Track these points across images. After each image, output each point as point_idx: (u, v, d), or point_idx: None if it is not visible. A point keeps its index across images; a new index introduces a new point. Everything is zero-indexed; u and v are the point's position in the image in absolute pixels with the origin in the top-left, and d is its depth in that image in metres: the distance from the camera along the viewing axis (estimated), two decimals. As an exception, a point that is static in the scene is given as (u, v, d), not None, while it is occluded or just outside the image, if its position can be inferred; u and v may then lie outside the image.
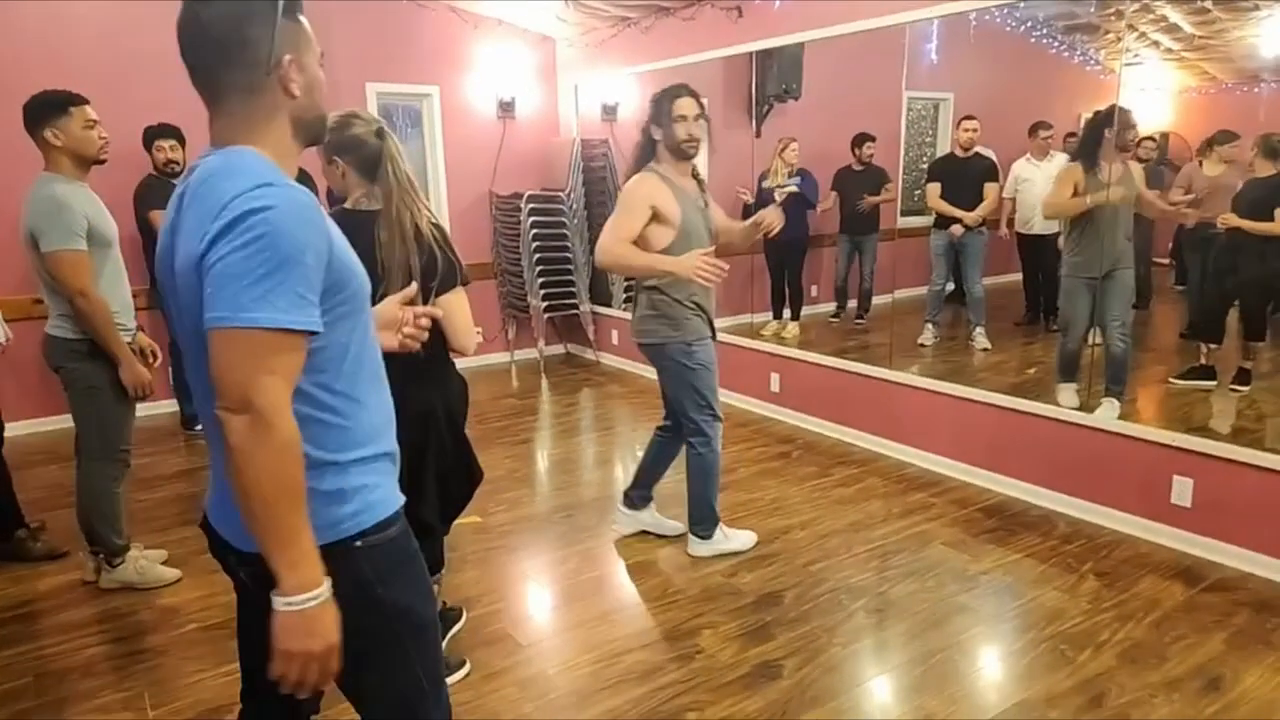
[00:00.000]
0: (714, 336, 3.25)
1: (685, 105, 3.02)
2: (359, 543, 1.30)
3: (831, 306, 6.32)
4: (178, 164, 4.75)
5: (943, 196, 5.26)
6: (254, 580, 1.31)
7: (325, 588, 1.19)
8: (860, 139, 5.80)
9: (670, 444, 3.45)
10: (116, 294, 2.95)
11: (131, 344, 3.01)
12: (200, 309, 1.14)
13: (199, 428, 5.05)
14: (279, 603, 1.16)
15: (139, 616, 3.01)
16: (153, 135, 4.75)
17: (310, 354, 1.21)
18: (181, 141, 4.78)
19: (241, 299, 1.10)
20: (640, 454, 3.56)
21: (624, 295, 6.59)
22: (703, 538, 3.37)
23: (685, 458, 3.33)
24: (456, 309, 2.24)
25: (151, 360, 3.14)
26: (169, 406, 5.22)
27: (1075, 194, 4.17)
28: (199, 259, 1.14)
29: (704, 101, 3.08)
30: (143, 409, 4.85)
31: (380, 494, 1.34)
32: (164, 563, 3.30)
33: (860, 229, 5.95)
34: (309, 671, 1.20)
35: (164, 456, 4.70)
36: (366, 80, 5.86)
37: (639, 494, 3.55)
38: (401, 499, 1.41)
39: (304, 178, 3.69)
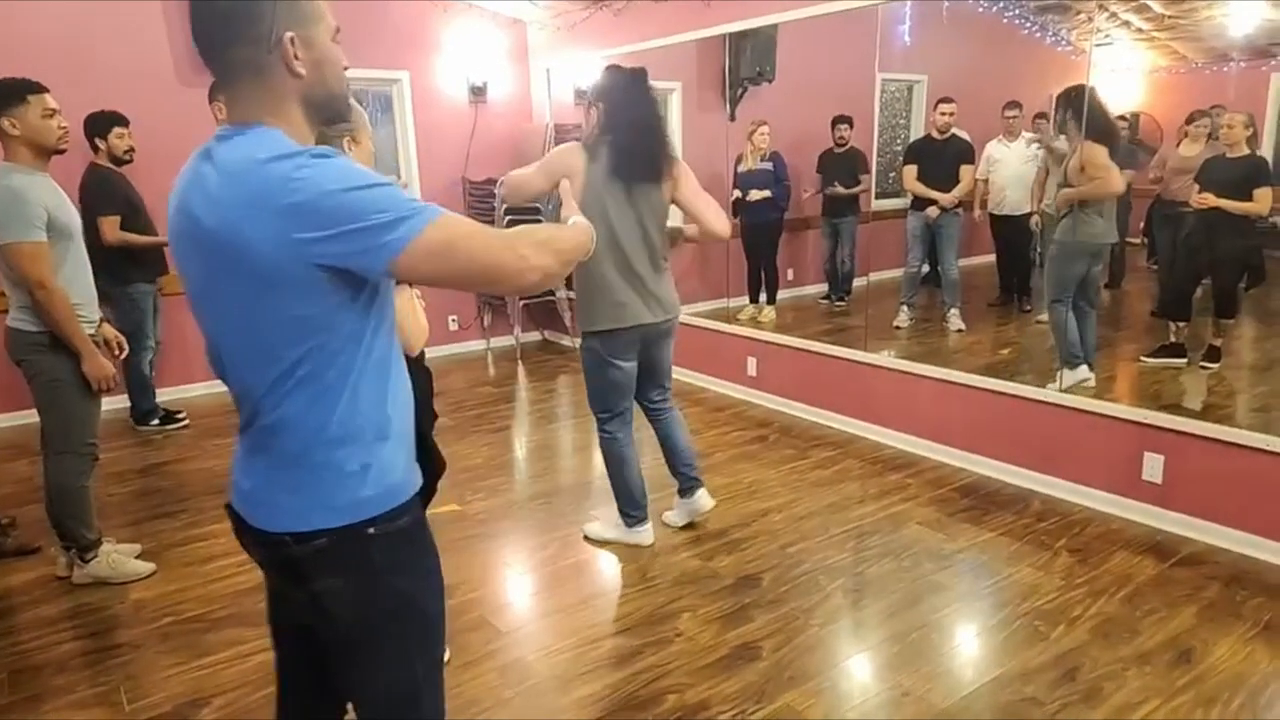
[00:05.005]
0: None
1: None
2: (371, 529, 1.28)
3: (812, 289, 6.35)
4: (134, 152, 4.63)
5: (919, 179, 5.28)
6: (271, 564, 1.35)
7: None
8: (836, 121, 5.81)
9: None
10: (79, 285, 2.89)
11: (95, 335, 2.95)
12: (270, 285, 1.15)
13: (155, 422, 4.95)
14: None
15: (112, 611, 2.98)
16: (110, 123, 4.54)
17: (379, 310, 1.27)
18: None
19: (402, 207, 1.14)
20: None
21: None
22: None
23: (669, 420, 3.37)
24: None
25: (117, 352, 3.09)
26: (140, 399, 5.14)
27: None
28: (291, 236, 1.12)
29: None
30: (112, 401, 4.79)
31: (396, 479, 1.32)
32: (138, 556, 3.27)
33: (838, 212, 5.98)
34: None
35: (135, 449, 4.64)
36: (336, 66, 5.76)
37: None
38: (417, 484, 1.39)
39: None
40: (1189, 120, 4.59)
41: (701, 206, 3.07)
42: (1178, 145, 4.65)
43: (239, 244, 1.14)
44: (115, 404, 5.05)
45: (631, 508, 3.31)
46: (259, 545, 1.33)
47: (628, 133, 2.93)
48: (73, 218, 2.89)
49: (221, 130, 1.23)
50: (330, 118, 1.32)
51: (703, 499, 3.42)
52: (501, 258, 1.22)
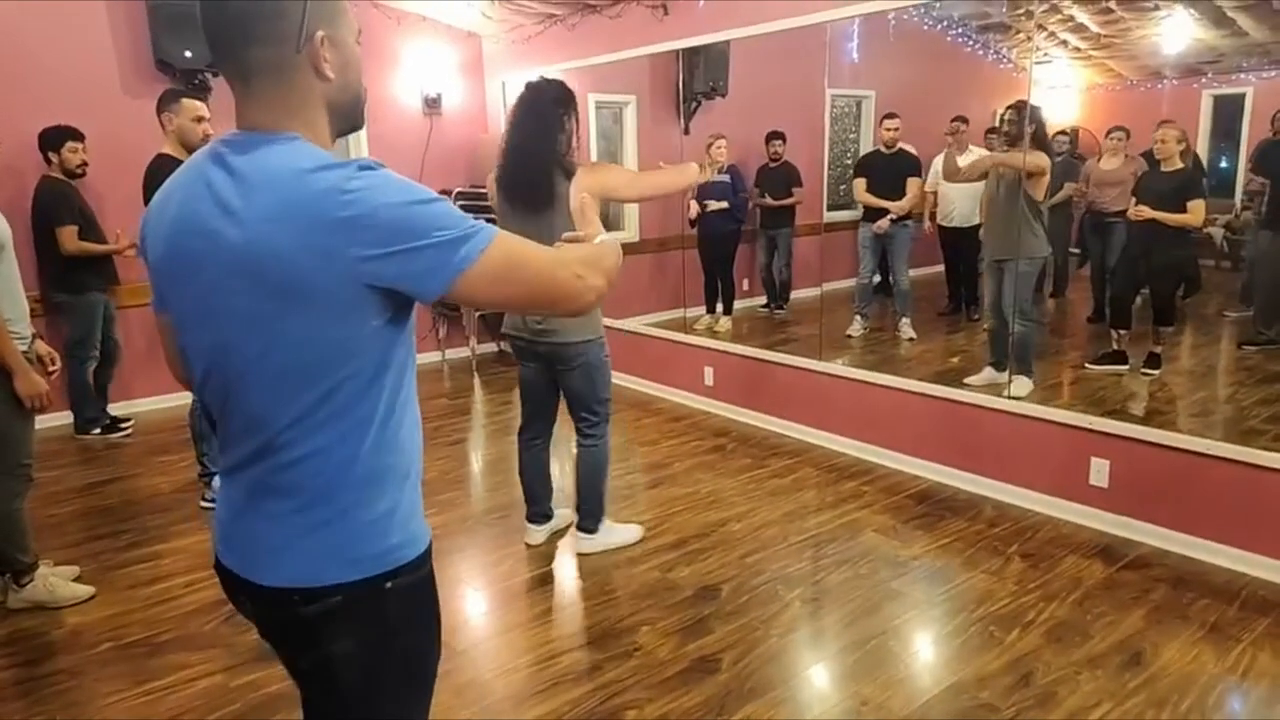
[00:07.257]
0: None
1: None
2: (389, 584, 1.18)
3: (763, 299, 6.42)
4: (87, 166, 4.67)
5: (869, 190, 5.38)
6: (270, 625, 1.22)
7: None
8: (770, 136, 5.90)
9: (549, 449, 3.42)
10: (10, 300, 2.78)
11: (27, 352, 2.83)
12: (307, 304, 1.05)
13: (96, 431, 4.86)
14: None
15: (50, 637, 2.86)
16: (64, 137, 4.59)
17: (409, 335, 1.19)
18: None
19: (463, 224, 1.08)
20: (525, 471, 3.42)
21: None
22: (592, 532, 3.35)
23: (578, 454, 3.28)
24: None
25: (50, 369, 2.97)
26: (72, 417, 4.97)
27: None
28: (345, 252, 1.03)
29: None
30: (47, 419, 4.63)
31: (417, 525, 1.24)
32: (76, 579, 3.15)
33: (773, 223, 6.08)
34: None
35: (72, 469, 4.48)
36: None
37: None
38: (430, 533, 1.28)
39: None
40: (1106, 134, 4.76)
41: (642, 187, 3.22)
42: (1098, 160, 4.82)
43: (273, 259, 1.03)
44: (56, 420, 4.91)
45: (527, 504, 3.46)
46: (256, 603, 1.21)
47: (512, 156, 2.94)
48: (3, 230, 2.78)
49: (233, 136, 1.12)
50: (351, 126, 1.22)
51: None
52: (559, 278, 1.17)
